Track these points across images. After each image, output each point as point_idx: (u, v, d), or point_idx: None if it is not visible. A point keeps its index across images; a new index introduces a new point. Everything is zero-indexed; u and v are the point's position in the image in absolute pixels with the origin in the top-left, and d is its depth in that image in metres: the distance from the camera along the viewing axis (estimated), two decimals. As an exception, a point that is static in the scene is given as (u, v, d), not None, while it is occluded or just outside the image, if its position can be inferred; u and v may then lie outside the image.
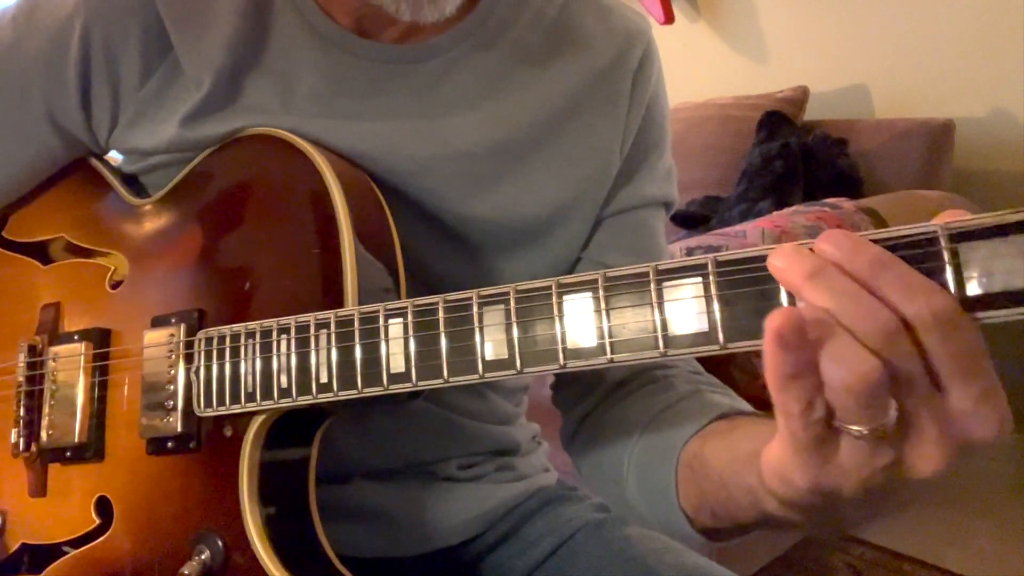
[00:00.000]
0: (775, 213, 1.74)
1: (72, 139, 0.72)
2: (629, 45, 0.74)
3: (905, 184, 2.02)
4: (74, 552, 0.64)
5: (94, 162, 0.74)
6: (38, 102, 0.70)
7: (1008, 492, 2.05)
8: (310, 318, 0.54)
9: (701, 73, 2.68)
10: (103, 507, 0.64)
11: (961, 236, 0.36)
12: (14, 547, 0.67)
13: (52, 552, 0.65)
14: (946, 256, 0.36)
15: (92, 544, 0.64)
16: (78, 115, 0.70)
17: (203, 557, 0.56)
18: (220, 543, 0.57)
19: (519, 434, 0.84)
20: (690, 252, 1.48)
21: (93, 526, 0.64)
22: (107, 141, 0.72)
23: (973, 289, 0.35)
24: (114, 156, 0.75)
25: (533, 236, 0.72)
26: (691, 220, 2.14)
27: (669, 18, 2.65)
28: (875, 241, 0.37)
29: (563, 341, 0.45)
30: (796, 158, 2.07)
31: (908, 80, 2.27)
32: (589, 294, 0.44)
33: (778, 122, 2.17)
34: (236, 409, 0.56)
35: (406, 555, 0.75)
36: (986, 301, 0.36)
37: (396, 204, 0.65)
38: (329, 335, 0.53)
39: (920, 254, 0.36)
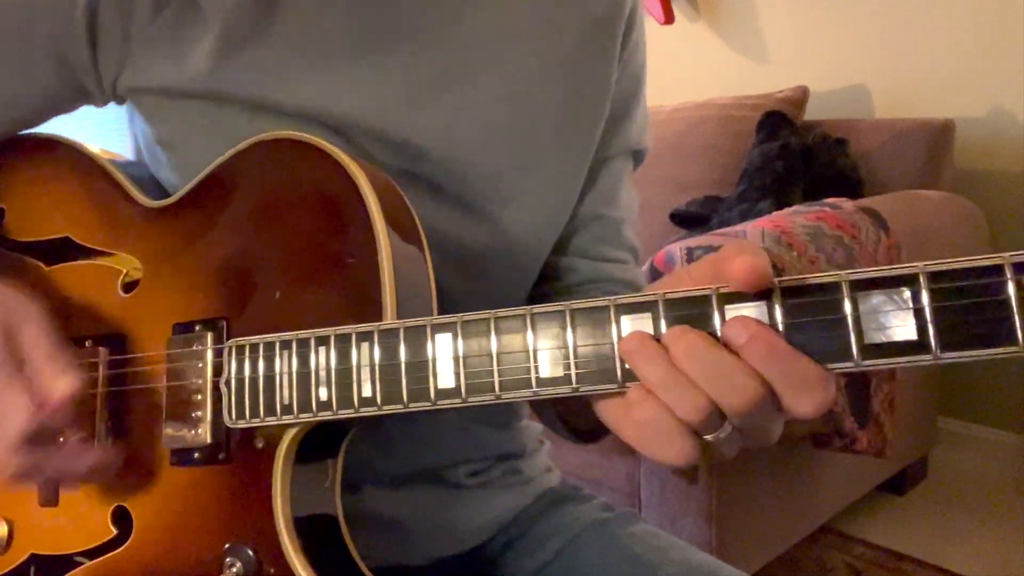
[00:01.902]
0: (775, 213, 1.74)
1: (75, 80, 0.68)
2: None
3: (905, 184, 2.03)
4: (88, 563, 0.63)
5: (102, 160, 0.71)
6: (42, 38, 0.66)
7: (1008, 492, 2.07)
8: (351, 330, 0.53)
9: (701, 73, 2.68)
10: (121, 517, 0.62)
11: None
12: (22, 558, 0.65)
13: (63, 563, 0.63)
14: (1011, 289, 0.35)
15: (109, 555, 0.62)
16: (85, 51, 0.66)
17: (235, 570, 0.55)
18: (252, 555, 0.56)
19: (524, 436, 0.84)
20: (690, 252, 1.48)
21: (110, 537, 0.62)
22: (114, 83, 0.68)
23: None
24: (119, 154, 0.72)
25: (556, 188, 0.74)
26: (691, 220, 2.14)
27: (669, 18, 2.65)
28: (938, 272, 0.37)
29: (622, 359, 0.45)
30: (796, 158, 2.07)
31: (908, 80, 2.27)
32: (649, 315, 0.44)
33: (778, 122, 2.17)
34: (271, 421, 0.55)
35: (417, 562, 0.75)
36: None
37: (416, 178, 0.65)
38: (372, 347, 0.51)
39: (984, 285, 0.35)
